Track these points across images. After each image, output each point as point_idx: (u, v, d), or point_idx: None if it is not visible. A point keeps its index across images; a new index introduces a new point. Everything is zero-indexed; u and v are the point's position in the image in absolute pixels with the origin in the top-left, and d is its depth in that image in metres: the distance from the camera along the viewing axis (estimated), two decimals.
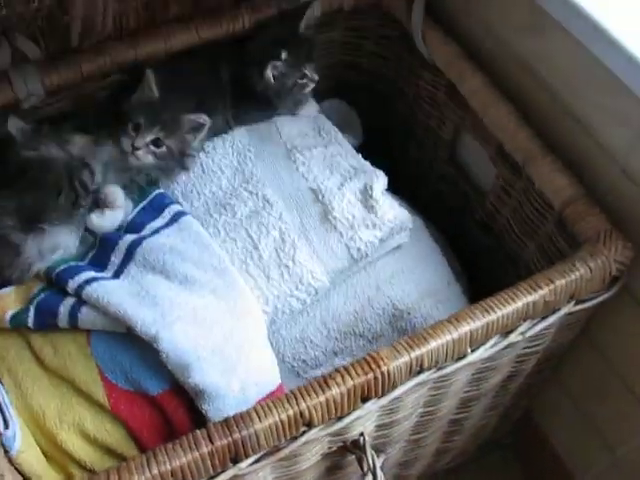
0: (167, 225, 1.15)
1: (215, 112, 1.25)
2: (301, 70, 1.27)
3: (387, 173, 1.22)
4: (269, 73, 1.23)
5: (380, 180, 1.17)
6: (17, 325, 1.06)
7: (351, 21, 1.38)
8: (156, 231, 1.14)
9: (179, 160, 1.21)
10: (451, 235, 1.38)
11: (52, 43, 1.15)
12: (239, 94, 1.27)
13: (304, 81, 1.28)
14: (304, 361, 1.15)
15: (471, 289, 1.29)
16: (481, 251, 1.35)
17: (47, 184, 1.11)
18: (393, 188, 1.24)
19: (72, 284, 1.06)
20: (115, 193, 1.15)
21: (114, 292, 1.03)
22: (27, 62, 1.15)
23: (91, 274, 1.08)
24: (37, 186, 1.10)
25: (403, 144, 1.51)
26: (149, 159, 1.17)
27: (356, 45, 1.44)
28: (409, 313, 1.16)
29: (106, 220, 1.15)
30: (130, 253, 1.10)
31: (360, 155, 1.25)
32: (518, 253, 1.24)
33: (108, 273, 1.11)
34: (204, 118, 1.19)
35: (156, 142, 1.17)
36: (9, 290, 1.11)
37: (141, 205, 1.19)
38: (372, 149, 1.45)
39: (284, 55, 1.23)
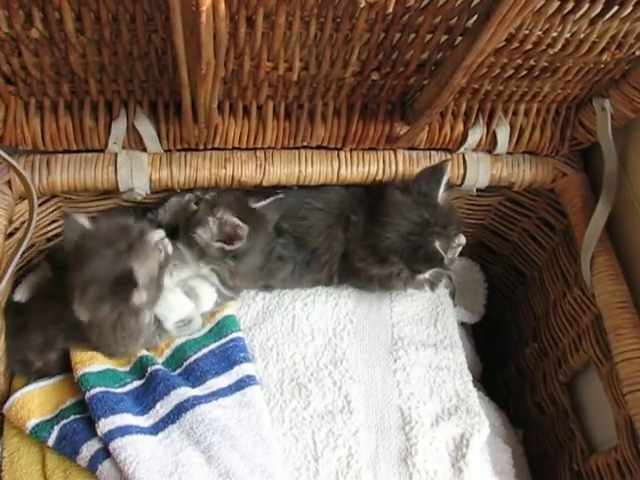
0: (230, 390, 1.00)
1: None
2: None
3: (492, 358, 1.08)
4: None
5: (481, 433, 0.98)
6: (37, 437, 0.97)
7: (516, 194, 1.18)
8: (215, 394, 0.99)
9: None
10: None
11: (173, 133, 1.00)
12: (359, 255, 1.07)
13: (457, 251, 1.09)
14: None
15: None
16: None
17: None
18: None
19: (103, 425, 0.94)
20: None
21: (143, 463, 0.91)
22: (141, 149, 1.01)
23: (127, 419, 0.96)
24: None
25: (521, 336, 1.31)
26: None
27: (512, 218, 1.23)
28: None
29: None
30: (178, 412, 0.97)
31: (471, 376, 1.06)
32: None
33: (148, 421, 0.98)
34: None
35: None
36: (39, 388, 1.01)
37: (213, 345, 1.04)
38: (487, 326, 1.28)
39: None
